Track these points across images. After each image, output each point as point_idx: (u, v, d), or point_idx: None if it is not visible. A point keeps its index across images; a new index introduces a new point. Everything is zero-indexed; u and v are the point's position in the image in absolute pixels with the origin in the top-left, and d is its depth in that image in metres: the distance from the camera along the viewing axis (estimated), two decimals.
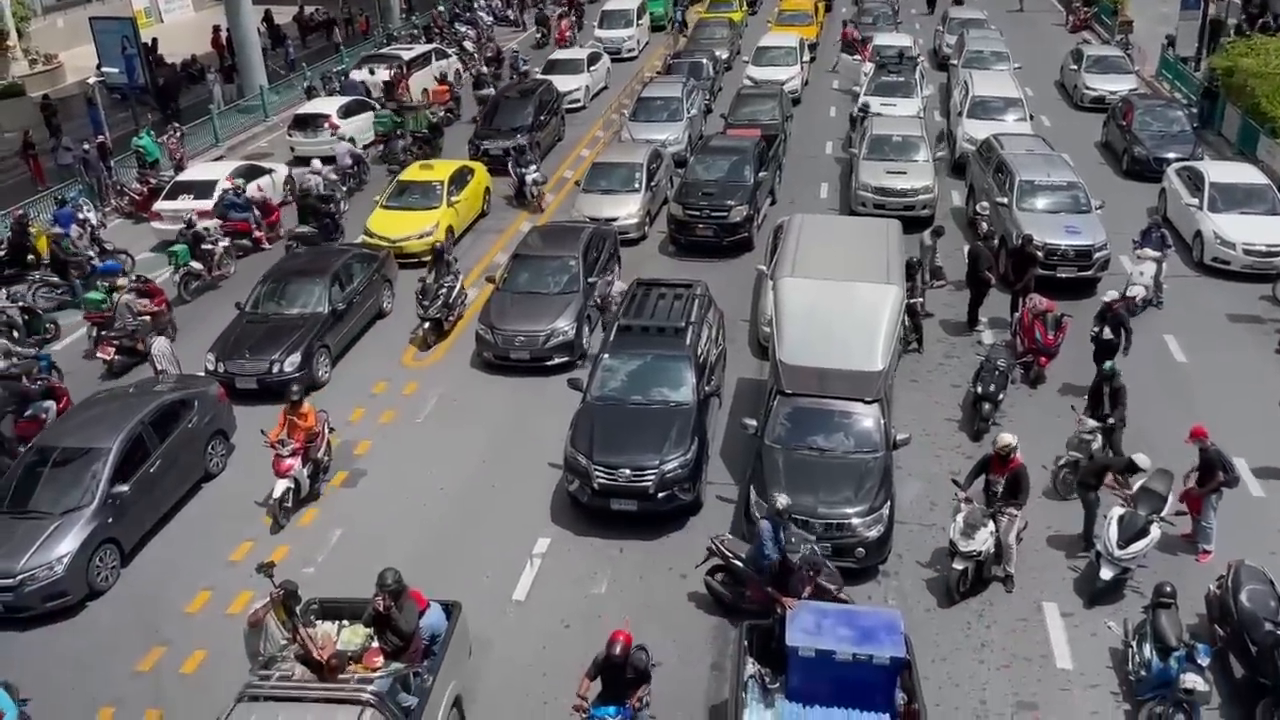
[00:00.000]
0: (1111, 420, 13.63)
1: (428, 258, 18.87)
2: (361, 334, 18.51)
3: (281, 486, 13.61)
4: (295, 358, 16.45)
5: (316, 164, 23.43)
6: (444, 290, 18.10)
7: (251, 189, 22.77)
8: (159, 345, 16.51)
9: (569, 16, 41.15)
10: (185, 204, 22.01)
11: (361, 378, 17.27)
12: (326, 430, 14.34)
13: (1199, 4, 31.01)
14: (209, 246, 20.33)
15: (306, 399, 14.30)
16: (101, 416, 13.84)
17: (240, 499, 14.25)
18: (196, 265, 20.05)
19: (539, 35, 41.34)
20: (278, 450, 13.61)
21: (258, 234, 21.94)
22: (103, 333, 17.38)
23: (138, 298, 17.80)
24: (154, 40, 34.70)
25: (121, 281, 18.04)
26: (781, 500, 11.30)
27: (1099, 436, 13.60)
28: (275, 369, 16.33)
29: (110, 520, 12.75)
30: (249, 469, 14.70)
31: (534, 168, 23.88)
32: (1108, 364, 13.95)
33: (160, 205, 22.49)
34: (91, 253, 20.40)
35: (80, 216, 21.54)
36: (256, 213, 22.10)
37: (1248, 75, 25.23)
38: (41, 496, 12.76)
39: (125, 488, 12.89)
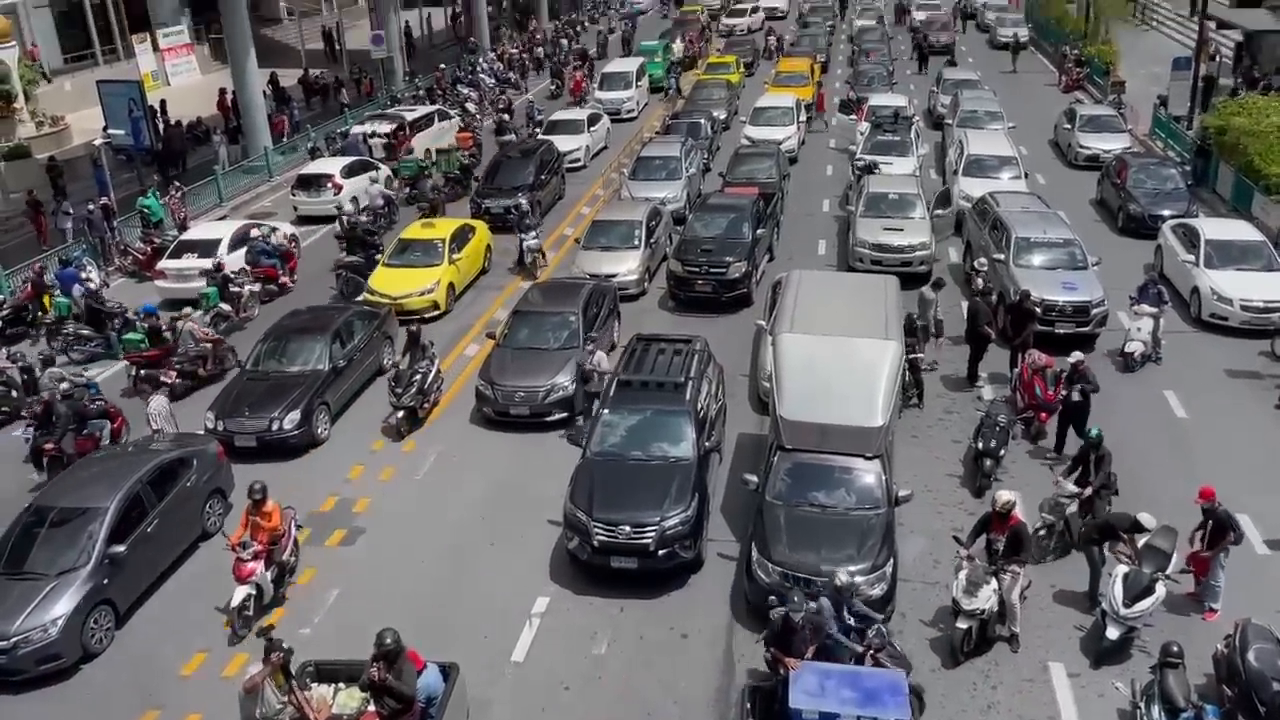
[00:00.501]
0: (1092, 487, 13.35)
1: (414, 327, 17.87)
2: (361, 390, 18.52)
3: (241, 593, 12.55)
4: (295, 415, 16.44)
5: (370, 184, 26.54)
6: (418, 376, 17.14)
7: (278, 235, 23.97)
8: (156, 403, 16.50)
9: (582, 69, 42.77)
10: (189, 262, 22.28)
11: (361, 434, 17.25)
12: (293, 529, 13.38)
13: (1190, 65, 31.53)
14: (236, 289, 21.29)
15: (271, 498, 13.09)
16: (100, 475, 13.78)
17: None
18: (225, 307, 20.72)
19: (553, 87, 43.10)
20: (238, 554, 12.58)
21: (283, 279, 23.02)
22: (143, 371, 18.36)
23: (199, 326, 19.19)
24: (162, 101, 35.28)
25: (186, 310, 19.66)
26: (842, 577, 11.07)
27: (1076, 502, 13.40)
28: (275, 427, 16.31)
29: (106, 581, 12.63)
30: None
31: (533, 234, 23.54)
32: (1094, 430, 13.71)
33: (164, 264, 22.68)
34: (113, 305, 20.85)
35: (83, 276, 21.70)
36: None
37: (1240, 134, 25.56)
38: (37, 557, 12.64)
39: (122, 548, 12.77)
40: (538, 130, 33.25)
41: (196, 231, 24.28)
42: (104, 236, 24.86)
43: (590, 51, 48.14)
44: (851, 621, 10.87)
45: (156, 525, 13.50)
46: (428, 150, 31.23)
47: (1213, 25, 36.54)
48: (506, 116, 35.20)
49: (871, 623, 10.91)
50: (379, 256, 22.68)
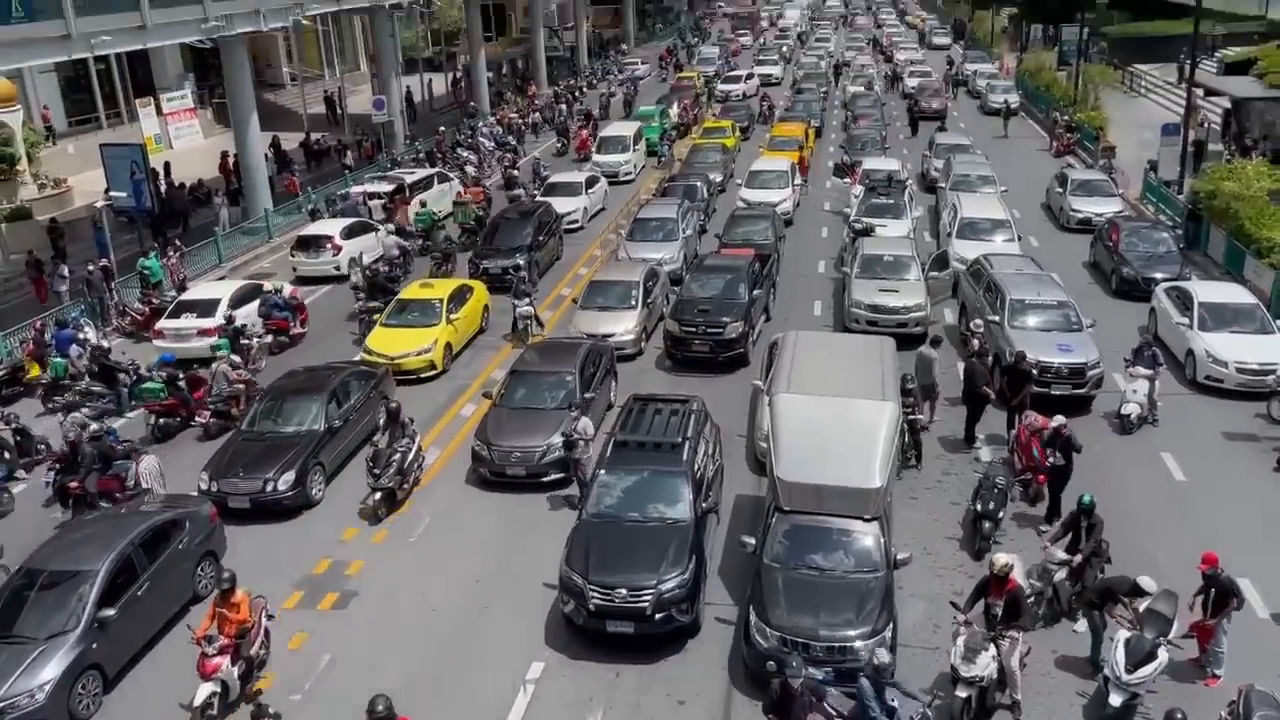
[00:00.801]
0: (1082, 555, 13.13)
1: (393, 404, 17.24)
2: (357, 450, 18.43)
3: (205, 691, 11.74)
4: (289, 476, 16.35)
5: (388, 236, 28.24)
6: (398, 455, 16.29)
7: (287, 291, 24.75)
8: (146, 463, 16.44)
9: (587, 128, 44.30)
10: (188, 322, 22.50)
11: (355, 495, 17.12)
12: (264, 620, 12.53)
13: (1179, 130, 32.04)
14: (247, 341, 21.76)
15: (240, 587, 12.42)
16: (91, 537, 13.64)
17: None
18: (236, 358, 20.86)
19: (560, 145, 44.59)
20: (203, 648, 11.83)
21: (295, 330, 23.83)
22: (162, 420, 19.22)
23: (231, 369, 20.02)
24: (166, 164, 35.69)
25: (221, 353, 20.59)
26: (883, 656, 10.84)
27: (1065, 569, 13.22)
28: (269, 488, 16.21)
29: (95, 645, 12.43)
30: None
31: (527, 300, 23.33)
32: (1086, 496, 13.41)
33: (163, 324, 22.80)
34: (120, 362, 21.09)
35: (80, 336, 21.77)
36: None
37: (1230, 198, 25.87)
38: (26, 620, 12.46)
39: (112, 611, 12.59)
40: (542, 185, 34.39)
41: (195, 292, 24.42)
42: (102, 297, 24.98)
43: (594, 112, 49.53)
44: (895, 704, 10.50)
45: (147, 588, 13.34)
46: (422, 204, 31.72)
47: (1200, 92, 37.24)
48: (515, 172, 36.51)
49: (915, 703, 10.64)
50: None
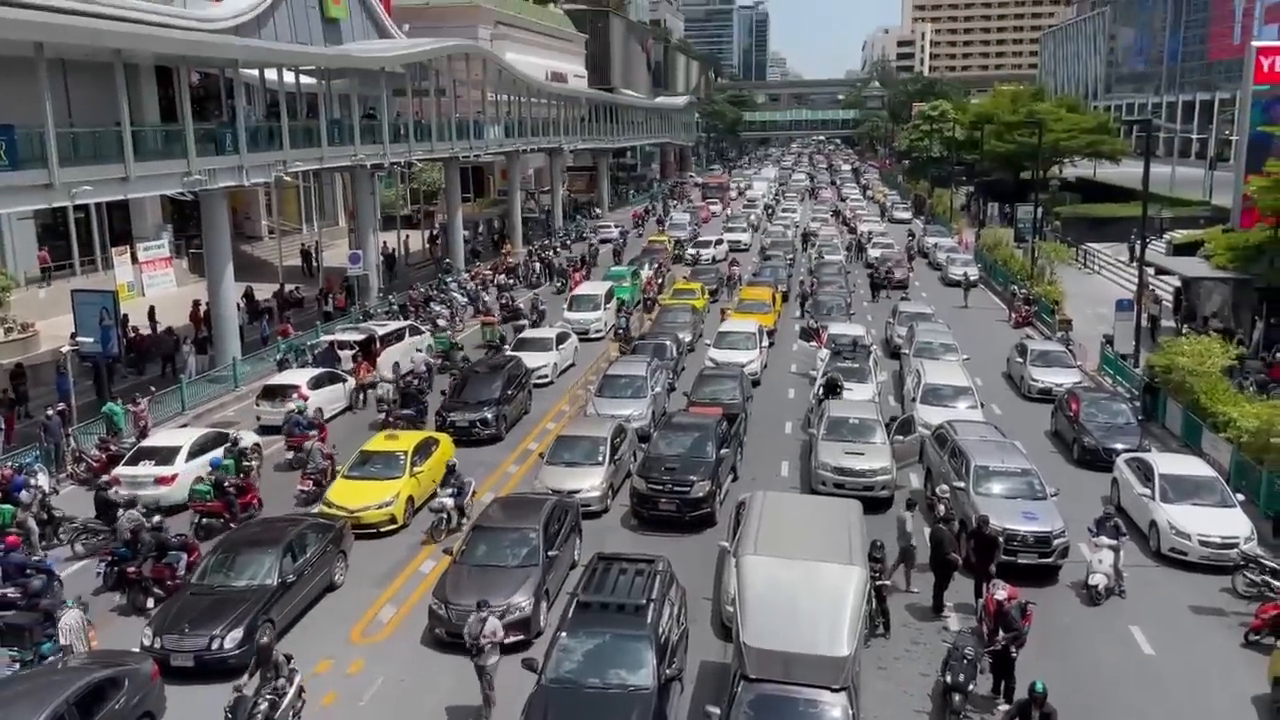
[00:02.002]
0: None
1: (264, 639, 14.91)
2: (310, 607, 17.83)
3: None
4: (237, 634, 15.70)
5: (415, 352, 32.17)
6: (264, 704, 13.48)
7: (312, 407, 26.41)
8: (69, 618, 15.71)
9: (581, 270, 49.56)
10: (145, 470, 22.13)
11: (305, 655, 16.34)
12: None
13: (1133, 306, 33.18)
14: (249, 464, 22.80)
15: None
16: (25, 694, 12.90)
17: None
18: (238, 480, 21.65)
19: (558, 285, 49.00)
20: None
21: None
22: (205, 520, 20.73)
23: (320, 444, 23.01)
24: (151, 308, 35.90)
25: (310, 442, 23.44)
26: None
27: None
28: (215, 645, 15.55)
29: None
30: None
31: (451, 490, 21.02)
32: (1039, 684, 12.99)
33: (120, 470, 22.33)
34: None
35: (32, 483, 21.26)
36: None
37: (1185, 373, 26.54)
38: None
39: None
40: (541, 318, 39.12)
41: (156, 439, 24.06)
42: (59, 443, 24.51)
43: (587, 258, 55.41)
44: None
45: None
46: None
47: (1152, 271, 38.76)
48: (521, 305, 41.34)
49: None
50: (424, 410, 27.52)
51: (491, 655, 14.49)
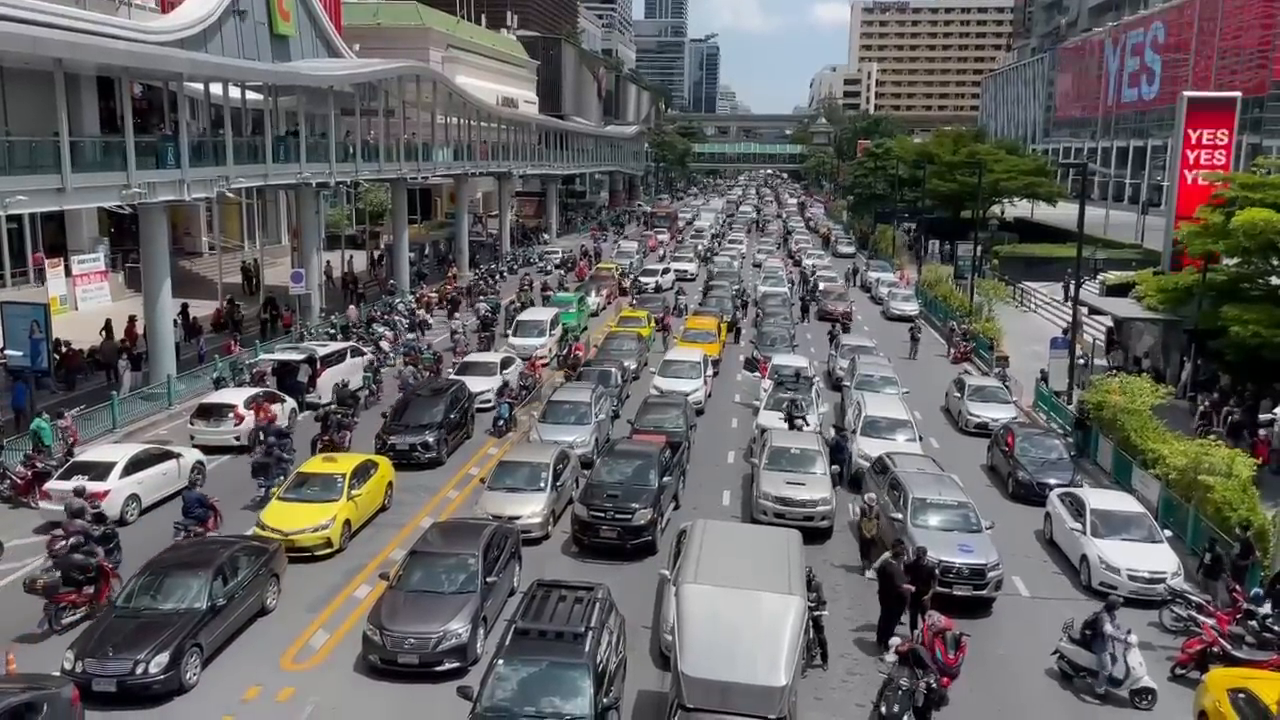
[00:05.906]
0: None
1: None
2: (239, 632, 17.40)
3: None
4: (162, 658, 15.23)
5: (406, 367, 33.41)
6: None
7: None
8: None
9: (584, 260, 53.35)
10: (79, 483, 21.31)
11: (233, 682, 16.01)
12: None
13: (1066, 344, 33.94)
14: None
15: None
16: None
17: None
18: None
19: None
20: None
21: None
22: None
23: None
24: (107, 321, 35.04)
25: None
26: None
27: None
28: (139, 670, 15.06)
29: None
30: None
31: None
32: None
33: (52, 485, 21.73)
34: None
35: None
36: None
37: (1116, 410, 27.19)
38: None
39: None
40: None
41: (91, 454, 23.39)
42: None
43: (589, 251, 61.73)
44: None
45: None
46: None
47: (1085, 310, 39.74)
48: (491, 315, 42.07)
49: None
50: (355, 419, 27.83)
51: None
